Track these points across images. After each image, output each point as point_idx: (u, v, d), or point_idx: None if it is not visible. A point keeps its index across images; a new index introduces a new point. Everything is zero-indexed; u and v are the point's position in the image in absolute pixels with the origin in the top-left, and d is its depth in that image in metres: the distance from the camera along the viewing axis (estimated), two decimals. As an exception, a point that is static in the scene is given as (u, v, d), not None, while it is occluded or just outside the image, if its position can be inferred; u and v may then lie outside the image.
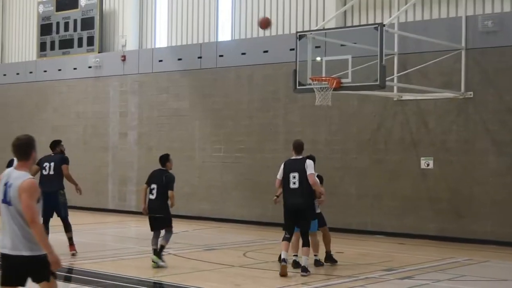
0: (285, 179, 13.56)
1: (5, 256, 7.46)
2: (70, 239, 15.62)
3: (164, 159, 14.67)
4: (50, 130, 27.92)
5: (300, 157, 13.69)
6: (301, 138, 20.86)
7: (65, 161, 15.94)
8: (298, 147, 13.78)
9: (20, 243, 7.37)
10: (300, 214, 13.44)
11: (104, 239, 19.60)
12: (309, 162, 13.51)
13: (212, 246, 17.23)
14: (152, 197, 14.27)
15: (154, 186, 14.27)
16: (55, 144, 16.26)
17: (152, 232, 14.44)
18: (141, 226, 22.33)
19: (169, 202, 14.23)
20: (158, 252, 14.12)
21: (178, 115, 24.50)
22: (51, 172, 15.70)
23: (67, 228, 15.65)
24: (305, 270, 13.21)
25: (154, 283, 12.66)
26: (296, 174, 13.41)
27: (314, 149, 19.41)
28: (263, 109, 22.49)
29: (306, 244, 13.39)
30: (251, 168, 22.59)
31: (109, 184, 26.41)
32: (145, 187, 14.50)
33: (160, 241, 14.23)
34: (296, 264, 13.81)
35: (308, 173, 13.31)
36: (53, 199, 15.49)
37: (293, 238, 13.82)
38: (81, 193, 16.12)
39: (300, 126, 21.61)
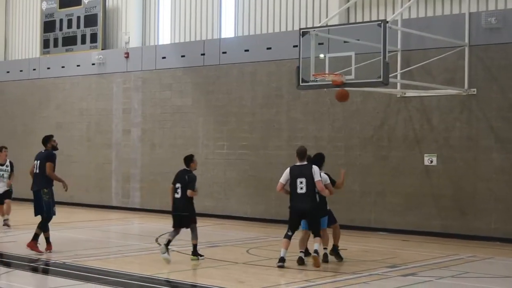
0: (292, 184, 14.08)
1: None
2: (36, 235, 15.38)
3: (188, 159, 15.07)
4: (54, 127, 27.91)
5: (305, 163, 14.19)
6: (304, 135, 21.11)
7: (50, 158, 15.62)
8: (302, 154, 14.28)
9: None
10: (307, 216, 14.02)
11: (108, 236, 19.60)
12: (315, 169, 14.03)
13: (215, 243, 17.21)
14: (178, 196, 14.72)
15: (178, 185, 14.75)
16: (46, 140, 15.96)
17: (173, 229, 14.83)
18: (145, 223, 22.44)
19: (194, 201, 14.74)
20: (194, 251, 14.67)
21: (181, 112, 24.51)
22: (37, 170, 15.61)
23: (45, 226, 15.47)
24: (316, 252, 13.72)
25: (157, 280, 12.66)
26: (303, 180, 13.95)
27: (317, 146, 19.44)
28: (266, 105, 22.48)
29: (318, 235, 13.97)
30: (254, 164, 22.60)
31: (112, 181, 26.42)
32: (171, 187, 14.92)
33: (191, 241, 14.74)
34: (301, 260, 13.92)
35: (315, 179, 13.90)
36: (37, 198, 15.48)
37: (303, 235, 14.31)
38: (67, 190, 15.75)
39: (303, 123, 21.61)
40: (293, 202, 14.06)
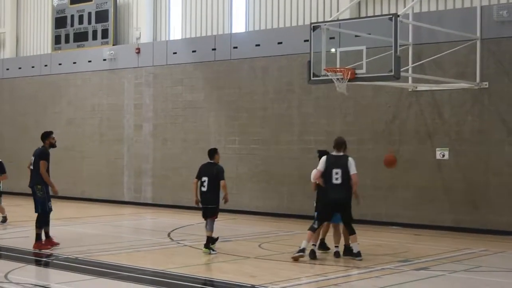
0: (327, 174, 14.09)
1: None
2: (37, 235, 15.36)
3: (213, 152, 15.31)
4: (65, 122, 28.06)
5: (342, 154, 14.23)
6: (315, 129, 21.10)
7: (42, 156, 15.45)
8: (339, 144, 14.34)
9: None
10: (341, 208, 14.08)
11: (120, 231, 19.61)
12: (351, 161, 14.11)
13: (228, 238, 17.20)
14: (204, 189, 14.96)
15: (205, 178, 14.95)
16: (44, 136, 15.77)
17: (205, 221, 15.13)
18: (157, 218, 22.47)
19: (221, 194, 14.95)
20: (207, 244, 14.86)
21: (193, 107, 24.53)
22: (32, 167, 15.58)
23: (41, 223, 15.41)
24: (358, 255, 13.94)
25: (170, 274, 12.68)
26: (339, 171, 14.02)
27: (329, 140, 19.30)
28: (278, 100, 22.48)
29: (352, 232, 14.08)
30: (266, 159, 22.61)
31: (124, 176, 26.48)
32: (196, 181, 15.13)
33: (206, 232, 15.00)
34: (313, 254, 13.97)
35: (351, 173, 14.02)
36: (33, 194, 15.49)
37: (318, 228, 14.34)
38: (56, 194, 15.45)
39: (314, 117, 21.60)
40: (327, 193, 14.09)
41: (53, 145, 15.82)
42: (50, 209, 15.58)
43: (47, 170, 15.48)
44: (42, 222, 15.46)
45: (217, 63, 24.03)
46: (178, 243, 16.52)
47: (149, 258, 14.65)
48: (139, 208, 25.03)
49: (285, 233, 18.35)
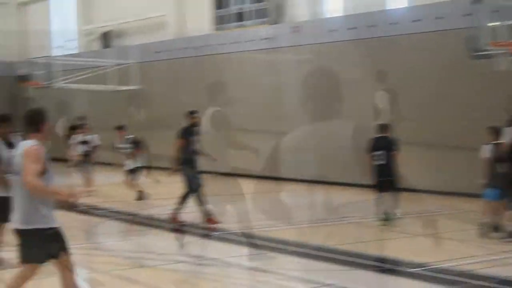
0: None
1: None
2: (205, 213, 15.96)
3: (387, 126, 15.93)
4: (228, 102, 28.63)
5: None
6: (480, 106, 20.53)
7: (179, 134, 16.24)
8: None
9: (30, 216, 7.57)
10: None
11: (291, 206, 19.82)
12: None
13: (396, 215, 16.93)
14: (381, 162, 15.35)
15: (380, 152, 15.38)
16: (187, 116, 16.59)
17: (379, 194, 15.54)
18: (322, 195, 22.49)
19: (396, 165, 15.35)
20: (388, 217, 15.24)
21: (355, 84, 24.05)
22: None
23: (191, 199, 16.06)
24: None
25: (336, 251, 12.98)
26: None
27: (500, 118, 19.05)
28: (439, 77, 22.02)
29: None
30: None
31: (286, 153, 26.45)
32: (369, 155, 15.53)
33: (390, 205, 15.37)
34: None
35: None
36: None
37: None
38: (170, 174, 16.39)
39: (480, 94, 20.98)
40: None
41: (195, 124, 16.32)
42: (198, 186, 15.91)
43: (190, 148, 15.98)
44: (189, 198, 15.98)
45: (375, 40, 23.92)
46: (343, 219, 16.76)
47: (319, 233, 14.98)
48: (300, 185, 24.85)
49: (455, 211, 18.15)
